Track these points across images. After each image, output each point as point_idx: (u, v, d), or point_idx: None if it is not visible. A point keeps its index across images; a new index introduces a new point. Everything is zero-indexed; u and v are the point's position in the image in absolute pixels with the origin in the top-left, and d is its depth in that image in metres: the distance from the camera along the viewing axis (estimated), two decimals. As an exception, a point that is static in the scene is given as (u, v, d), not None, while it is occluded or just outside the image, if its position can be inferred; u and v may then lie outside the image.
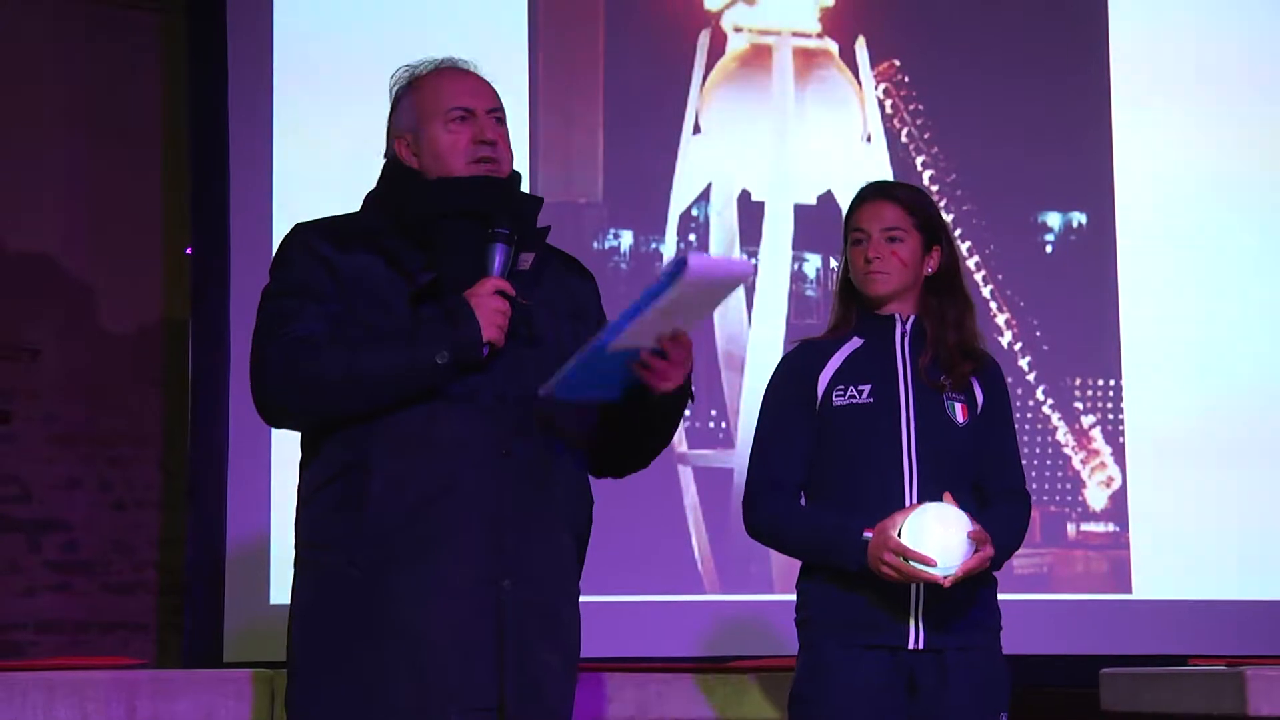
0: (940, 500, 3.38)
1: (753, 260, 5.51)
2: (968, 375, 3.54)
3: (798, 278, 5.50)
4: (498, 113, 3.11)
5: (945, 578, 3.32)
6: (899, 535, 3.32)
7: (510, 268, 3.01)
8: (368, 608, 2.93)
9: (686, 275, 2.75)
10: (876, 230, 3.53)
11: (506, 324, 2.95)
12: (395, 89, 3.17)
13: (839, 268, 3.66)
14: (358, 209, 3.16)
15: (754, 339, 5.47)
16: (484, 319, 2.94)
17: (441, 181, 3.05)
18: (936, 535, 3.32)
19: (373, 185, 3.16)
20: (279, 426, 3.10)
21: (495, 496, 2.95)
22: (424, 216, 3.02)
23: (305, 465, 3.06)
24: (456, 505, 2.93)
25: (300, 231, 3.09)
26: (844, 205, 3.65)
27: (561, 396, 2.91)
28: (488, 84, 3.14)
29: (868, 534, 3.36)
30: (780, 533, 3.54)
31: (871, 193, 3.60)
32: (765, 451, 3.57)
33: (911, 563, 3.30)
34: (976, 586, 3.44)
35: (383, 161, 3.18)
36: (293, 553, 3.06)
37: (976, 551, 3.35)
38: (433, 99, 3.09)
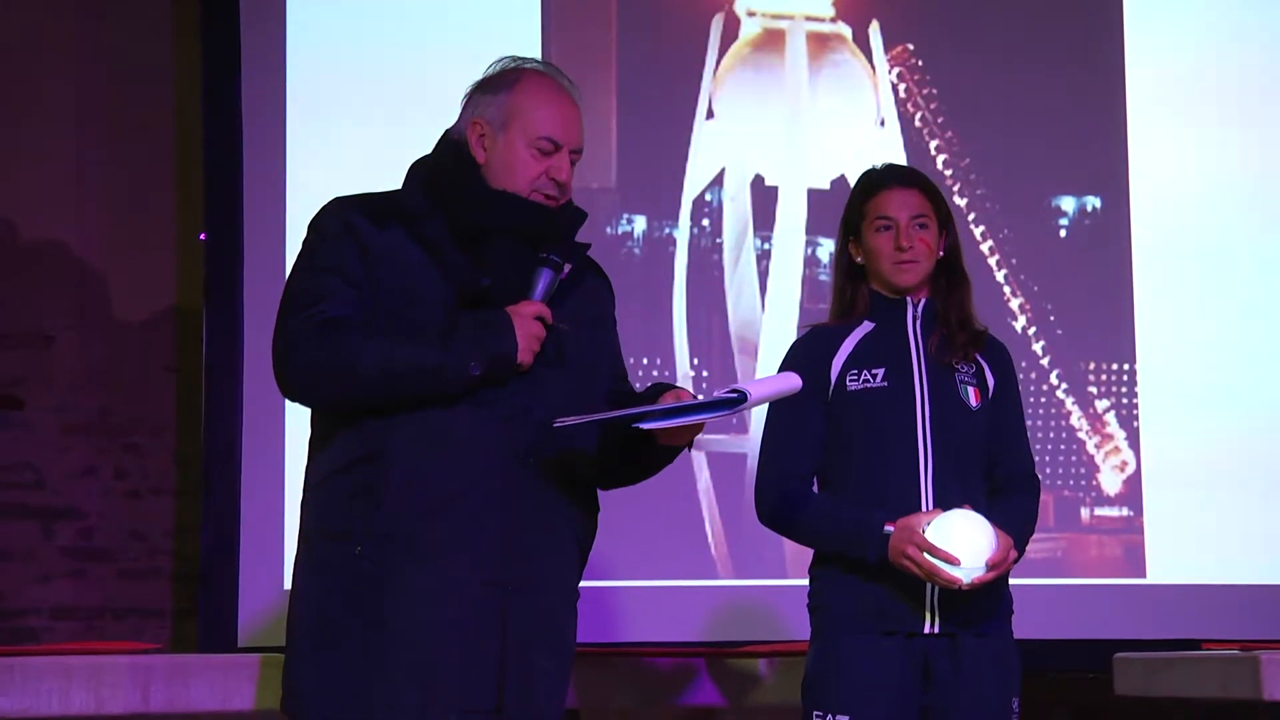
0: (960, 502, 3.41)
1: (766, 245, 5.51)
2: (969, 348, 3.56)
3: (811, 262, 5.50)
4: (578, 155, 3.14)
5: (965, 582, 3.33)
6: (924, 532, 3.34)
7: (551, 292, 3.04)
8: (376, 601, 2.97)
9: (742, 406, 2.93)
10: (905, 218, 3.55)
11: (539, 348, 2.98)
12: (494, 74, 3.16)
13: (839, 252, 3.65)
14: (383, 182, 3.16)
15: (767, 324, 5.46)
16: (521, 341, 2.98)
17: (504, 196, 3.07)
18: (963, 534, 3.34)
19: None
20: (298, 402, 3.12)
21: (509, 503, 3.00)
22: (479, 227, 3.03)
23: (317, 449, 3.09)
24: (473, 507, 2.98)
25: (339, 205, 3.10)
26: (858, 190, 3.66)
27: (567, 430, 2.97)
28: (580, 118, 3.16)
29: (889, 527, 3.39)
30: (796, 522, 3.56)
31: (894, 179, 3.62)
32: (778, 440, 3.60)
33: (934, 560, 3.32)
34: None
35: (442, 132, 3.18)
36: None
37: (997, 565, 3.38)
38: (529, 115, 3.09)
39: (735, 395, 2.91)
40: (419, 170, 3.16)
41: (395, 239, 3.03)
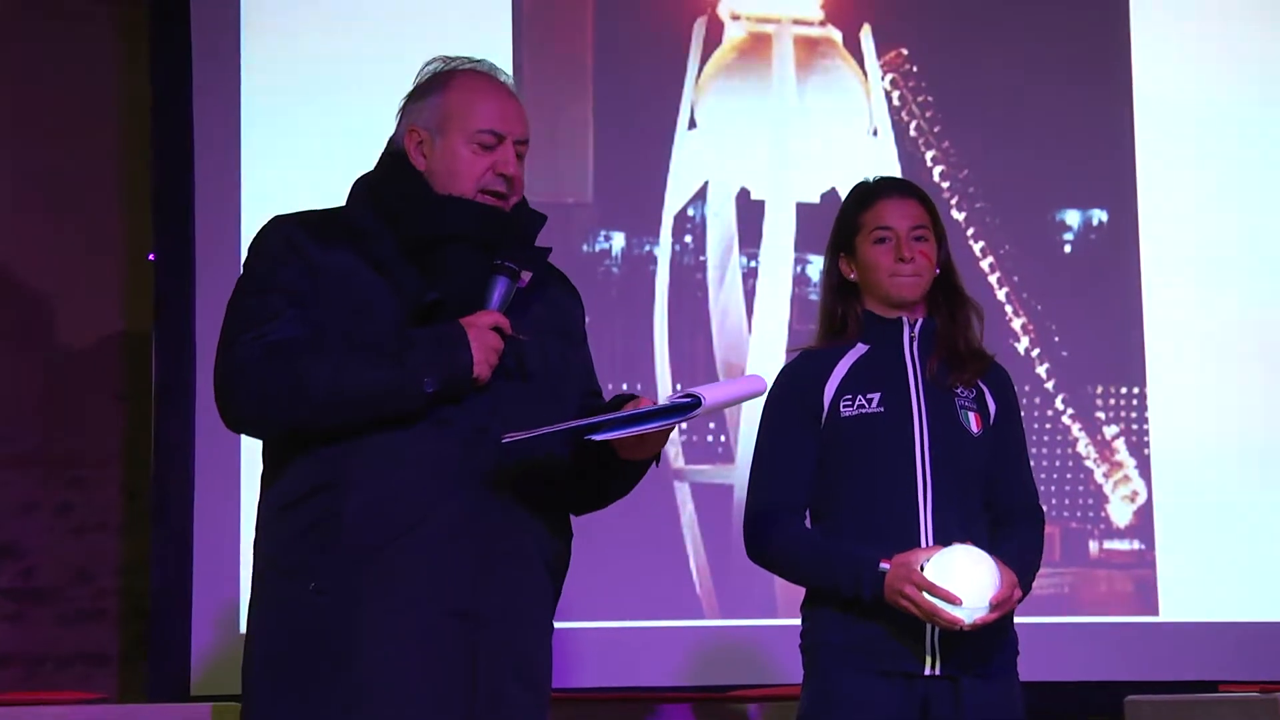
0: (961, 534, 3.39)
1: (752, 263, 5.50)
2: (976, 376, 3.54)
3: (800, 281, 5.49)
4: (524, 145, 3.13)
5: (967, 622, 3.31)
6: (922, 569, 3.32)
7: (509, 301, 3.01)
8: (334, 640, 2.93)
9: (696, 412, 2.84)
10: (905, 228, 3.54)
11: (497, 361, 2.96)
12: (424, 78, 3.15)
13: (828, 269, 3.64)
14: (343, 198, 3.14)
15: (755, 346, 5.47)
16: (477, 354, 2.95)
17: (449, 202, 3.05)
18: (964, 572, 3.31)
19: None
20: (245, 433, 3.11)
21: (474, 529, 2.97)
22: (427, 237, 3.02)
23: (269, 481, 3.06)
24: (434, 535, 2.95)
25: (280, 224, 3.08)
26: (849, 204, 3.65)
27: (518, 448, 2.94)
28: (522, 110, 3.15)
29: (884, 565, 3.36)
30: (787, 559, 3.53)
31: (892, 189, 3.62)
32: (768, 471, 3.57)
33: (934, 600, 3.30)
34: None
35: (383, 147, 3.16)
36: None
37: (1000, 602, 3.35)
38: (465, 111, 3.08)
39: (690, 400, 2.86)
40: (362, 186, 3.14)
41: (342, 257, 3.01)
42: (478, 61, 3.18)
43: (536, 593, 3.07)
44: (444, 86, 3.11)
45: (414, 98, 3.15)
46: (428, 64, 3.17)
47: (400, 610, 2.93)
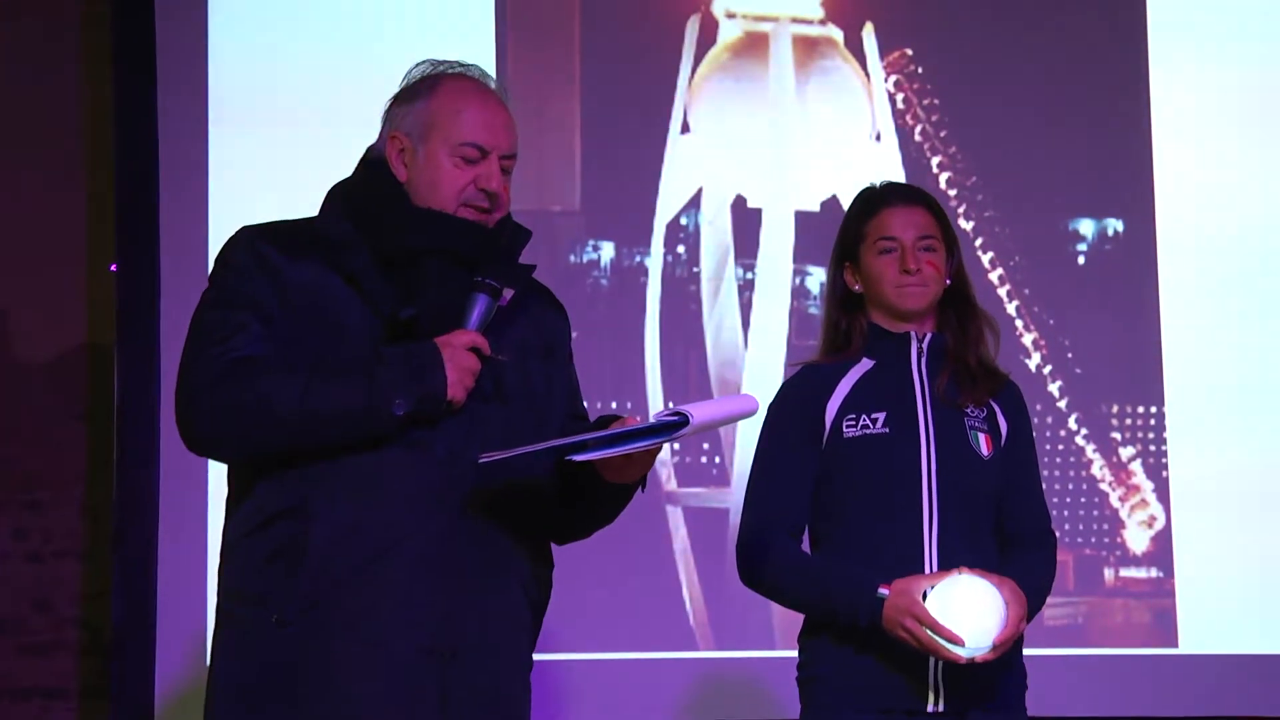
0: (960, 565, 3.37)
1: (749, 274, 5.47)
2: (987, 395, 3.51)
3: (799, 293, 5.47)
4: (510, 160, 3.13)
5: (966, 659, 3.28)
6: (924, 599, 3.27)
7: (489, 320, 2.99)
8: (301, 673, 2.93)
9: (684, 430, 2.82)
10: (911, 238, 3.54)
11: (473, 383, 2.92)
12: (411, 81, 3.16)
13: (832, 280, 3.61)
14: (314, 207, 3.15)
15: (751, 362, 5.44)
16: (452, 375, 2.93)
17: (428, 215, 3.05)
18: (968, 607, 3.30)
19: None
20: (206, 455, 3.11)
21: (447, 559, 2.98)
22: (406, 251, 3.00)
23: (234, 505, 3.07)
24: (405, 565, 2.96)
25: (247, 235, 3.08)
26: (851, 212, 3.63)
27: (496, 469, 2.92)
28: (511, 121, 3.15)
29: (884, 590, 3.33)
30: (781, 582, 3.52)
31: (897, 196, 3.61)
32: (764, 491, 3.56)
33: (935, 636, 3.26)
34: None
35: (361, 154, 3.16)
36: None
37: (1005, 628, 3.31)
38: (450, 120, 3.08)
39: (677, 419, 2.83)
40: (337, 194, 3.15)
41: (313, 271, 3.01)
42: (468, 67, 3.20)
43: (514, 625, 3.06)
44: (430, 92, 3.11)
45: (399, 101, 3.15)
46: (415, 66, 3.18)
47: (368, 643, 2.92)
